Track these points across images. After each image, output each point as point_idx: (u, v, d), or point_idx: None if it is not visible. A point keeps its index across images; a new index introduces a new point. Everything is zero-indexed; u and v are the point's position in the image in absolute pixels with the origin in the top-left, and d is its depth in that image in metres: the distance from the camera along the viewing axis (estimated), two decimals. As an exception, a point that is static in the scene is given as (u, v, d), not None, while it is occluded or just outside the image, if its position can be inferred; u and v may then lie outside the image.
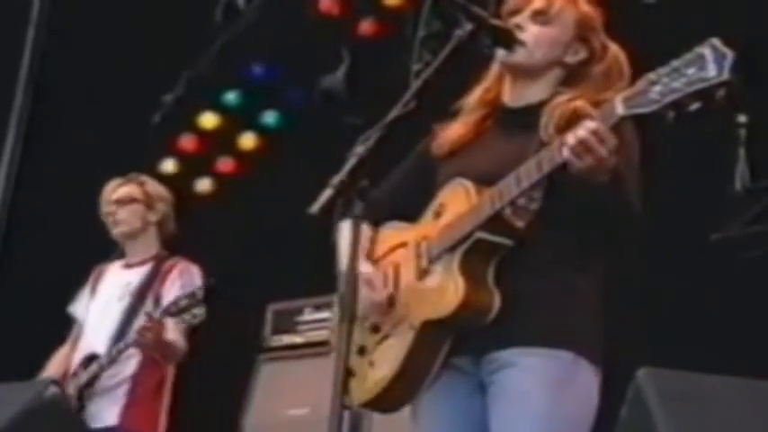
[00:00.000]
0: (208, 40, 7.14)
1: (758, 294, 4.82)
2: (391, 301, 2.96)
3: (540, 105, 2.92)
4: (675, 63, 2.49)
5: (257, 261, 6.39)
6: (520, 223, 2.79)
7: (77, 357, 4.82)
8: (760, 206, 5.03)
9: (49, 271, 6.60)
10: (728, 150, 5.03)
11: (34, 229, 7.28)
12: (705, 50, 2.46)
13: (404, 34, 6.27)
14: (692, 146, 4.92)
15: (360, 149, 2.69)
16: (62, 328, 5.06)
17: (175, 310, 4.57)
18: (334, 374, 2.55)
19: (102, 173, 5.34)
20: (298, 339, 5.90)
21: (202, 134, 7.27)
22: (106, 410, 4.59)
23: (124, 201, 4.99)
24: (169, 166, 7.18)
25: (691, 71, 2.45)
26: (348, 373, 2.90)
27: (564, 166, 2.64)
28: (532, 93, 2.97)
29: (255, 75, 7.09)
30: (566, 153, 2.62)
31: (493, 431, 2.79)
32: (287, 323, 5.95)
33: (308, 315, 5.90)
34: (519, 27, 2.95)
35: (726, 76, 2.41)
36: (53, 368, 4.89)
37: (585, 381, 2.82)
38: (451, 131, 3.06)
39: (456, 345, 2.85)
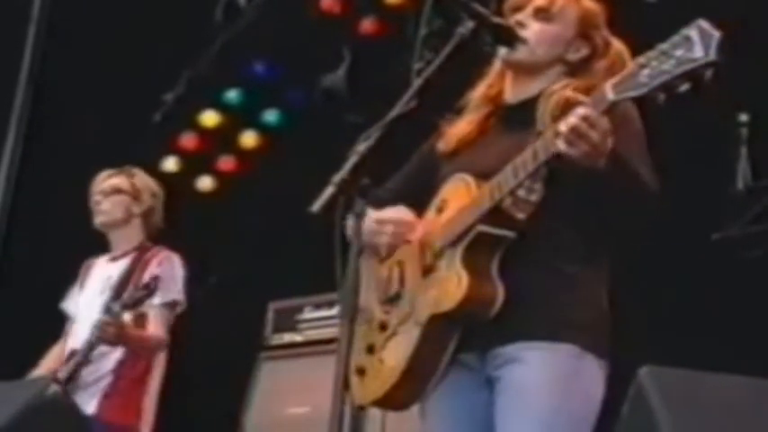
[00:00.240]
0: (208, 38, 7.14)
1: (759, 294, 4.82)
2: (397, 298, 2.96)
3: (538, 99, 2.91)
4: (663, 46, 2.50)
5: (258, 259, 6.39)
6: (520, 215, 2.79)
7: (65, 353, 4.80)
8: (761, 206, 5.03)
9: (49, 271, 6.58)
10: (730, 149, 5.03)
11: (34, 229, 7.27)
12: (692, 32, 2.47)
13: (405, 33, 6.28)
14: (693, 145, 4.92)
15: (361, 148, 2.69)
16: (62, 327, 5.05)
17: (131, 303, 4.50)
18: (336, 373, 2.55)
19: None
20: (298, 338, 5.89)
21: (203, 133, 7.28)
22: (86, 403, 4.55)
23: (109, 191, 4.96)
24: (170, 164, 7.20)
25: (679, 53, 2.46)
26: (359, 372, 2.92)
27: (559, 155, 2.64)
28: (533, 89, 2.97)
29: (256, 73, 7.10)
30: (559, 141, 2.62)
31: (498, 426, 2.79)
32: (288, 321, 5.95)
33: (309, 313, 5.89)
34: (521, 24, 2.95)
35: (713, 56, 2.41)
36: (45, 365, 4.86)
37: (591, 374, 2.82)
38: (457, 129, 3.06)
39: (462, 341, 2.84)
